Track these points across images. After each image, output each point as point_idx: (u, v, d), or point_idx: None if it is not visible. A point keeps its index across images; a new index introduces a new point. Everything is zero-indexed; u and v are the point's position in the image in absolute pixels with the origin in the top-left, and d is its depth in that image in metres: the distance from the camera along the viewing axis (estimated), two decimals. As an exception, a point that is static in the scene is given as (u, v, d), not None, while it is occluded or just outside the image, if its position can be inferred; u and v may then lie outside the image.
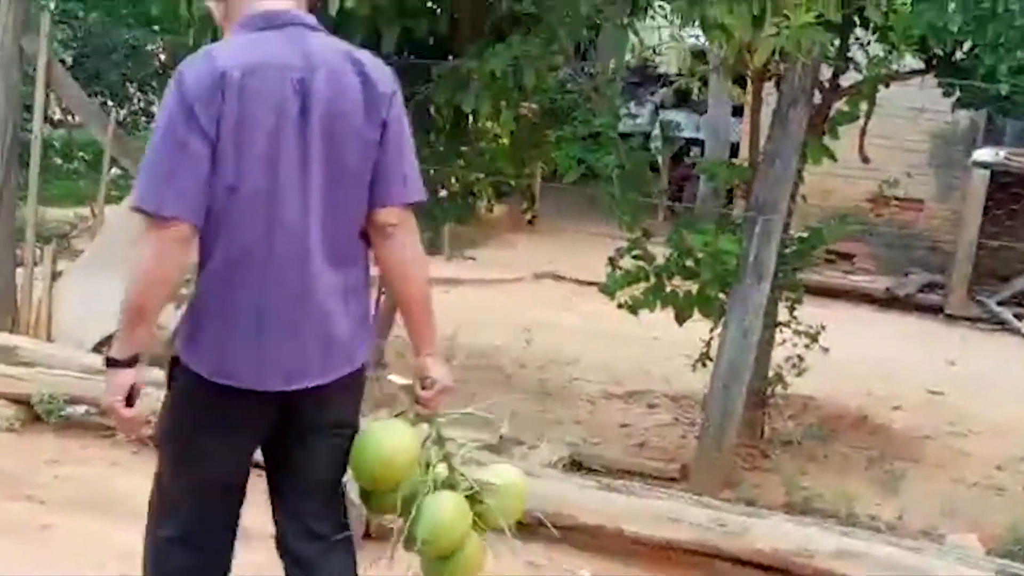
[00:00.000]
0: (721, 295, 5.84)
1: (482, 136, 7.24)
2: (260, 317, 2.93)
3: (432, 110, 6.80)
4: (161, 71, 10.74)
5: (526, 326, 9.00)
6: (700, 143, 14.51)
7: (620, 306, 6.10)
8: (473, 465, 3.31)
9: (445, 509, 3.15)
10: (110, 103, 14.68)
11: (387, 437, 3.11)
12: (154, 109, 14.12)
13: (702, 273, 5.78)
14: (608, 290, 6.04)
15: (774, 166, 5.62)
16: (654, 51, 7.50)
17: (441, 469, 3.20)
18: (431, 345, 3.18)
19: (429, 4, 6.29)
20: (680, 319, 6.06)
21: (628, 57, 17.30)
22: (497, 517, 3.23)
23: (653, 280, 6.03)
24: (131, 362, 2.92)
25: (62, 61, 9.94)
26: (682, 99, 14.96)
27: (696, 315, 6.03)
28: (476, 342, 8.59)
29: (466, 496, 3.19)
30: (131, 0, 10.22)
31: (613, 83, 6.45)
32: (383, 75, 3.02)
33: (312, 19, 3.03)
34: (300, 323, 2.95)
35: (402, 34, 6.10)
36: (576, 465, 5.98)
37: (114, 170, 7.32)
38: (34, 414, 5.93)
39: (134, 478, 4.61)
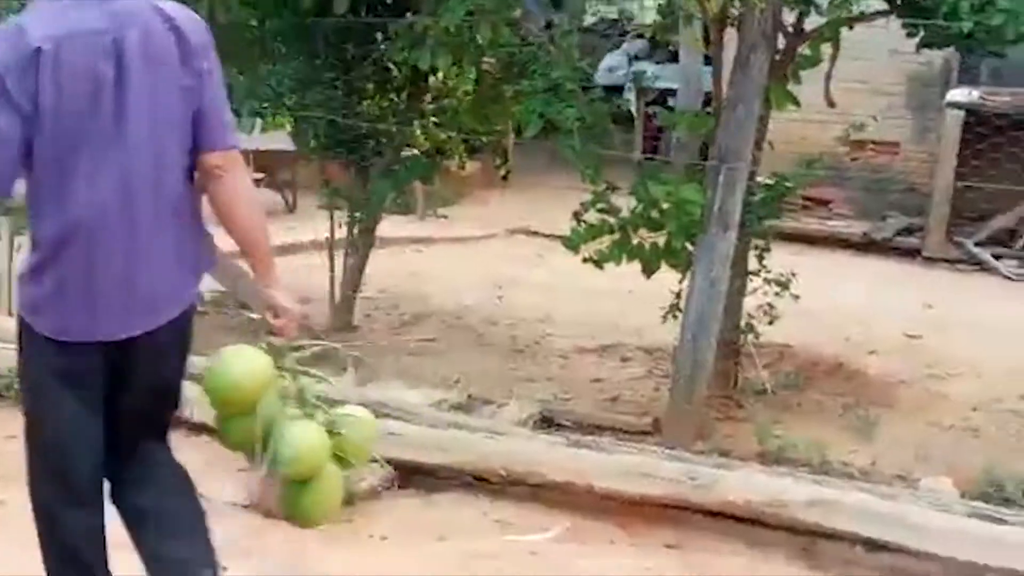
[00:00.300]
0: (688, 246, 5.75)
1: (445, 93, 7.16)
2: (89, 279, 3.04)
3: (392, 68, 6.72)
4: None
5: (498, 283, 8.93)
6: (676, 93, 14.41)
7: (585, 260, 6.01)
8: (325, 403, 3.37)
9: (306, 434, 3.24)
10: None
11: (236, 362, 3.23)
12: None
13: (667, 224, 5.69)
14: (571, 244, 5.96)
15: (735, 113, 5.52)
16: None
17: (295, 399, 3.30)
18: (271, 276, 3.29)
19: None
20: (647, 271, 5.98)
21: (601, 9, 17.23)
22: (353, 450, 3.33)
23: (618, 233, 5.94)
24: None
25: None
26: (656, 49, 14.85)
27: (666, 267, 5.95)
28: (448, 301, 8.53)
29: (327, 430, 3.28)
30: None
31: (570, 34, 6.35)
32: (196, 26, 3.13)
33: None
34: (133, 274, 3.07)
35: (355, -8, 6.01)
36: (547, 422, 5.92)
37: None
38: (-6, 389, 5.81)
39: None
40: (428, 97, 7.21)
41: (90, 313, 3.07)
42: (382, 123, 7.00)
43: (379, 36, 6.47)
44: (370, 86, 6.94)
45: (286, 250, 9.82)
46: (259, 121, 8.74)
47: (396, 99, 7.03)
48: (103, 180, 3.01)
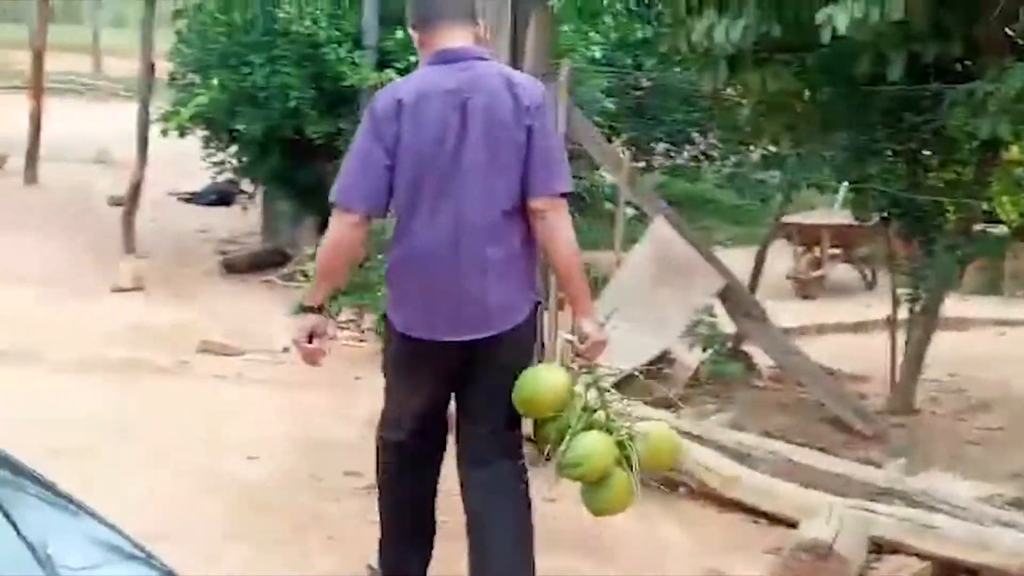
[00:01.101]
0: None
1: (1014, 165, 6.68)
2: (430, 287, 3.77)
3: (956, 137, 6.36)
4: (710, 110, 10.83)
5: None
6: None
7: None
8: (628, 418, 3.84)
9: (592, 441, 3.73)
10: (674, 147, 15.12)
11: (537, 376, 3.80)
12: (714, 153, 14.31)
13: None
14: None
15: None
16: None
17: (599, 415, 3.78)
18: (583, 307, 3.85)
19: (940, 26, 5.84)
20: None
21: None
22: (644, 461, 3.77)
23: None
24: (317, 310, 3.90)
25: (604, 110, 10.25)
26: None
27: None
28: (1024, 388, 7.91)
29: (618, 441, 3.74)
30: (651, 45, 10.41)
31: None
32: (531, 92, 3.82)
33: (481, 51, 3.93)
34: (462, 291, 3.76)
35: (910, 59, 5.73)
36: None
37: (629, 210, 7.42)
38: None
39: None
40: (997, 169, 6.75)
41: (428, 320, 3.80)
42: (947, 195, 6.64)
43: (939, 103, 6.14)
44: (932, 156, 6.60)
45: (859, 328, 9.63)
46: (840, 196, 8.61)
47: (962, 170, 6.64)
48: (441, 212, 3.74)
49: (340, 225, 3.82)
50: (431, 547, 4.10)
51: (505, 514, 3.90)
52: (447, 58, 3.87)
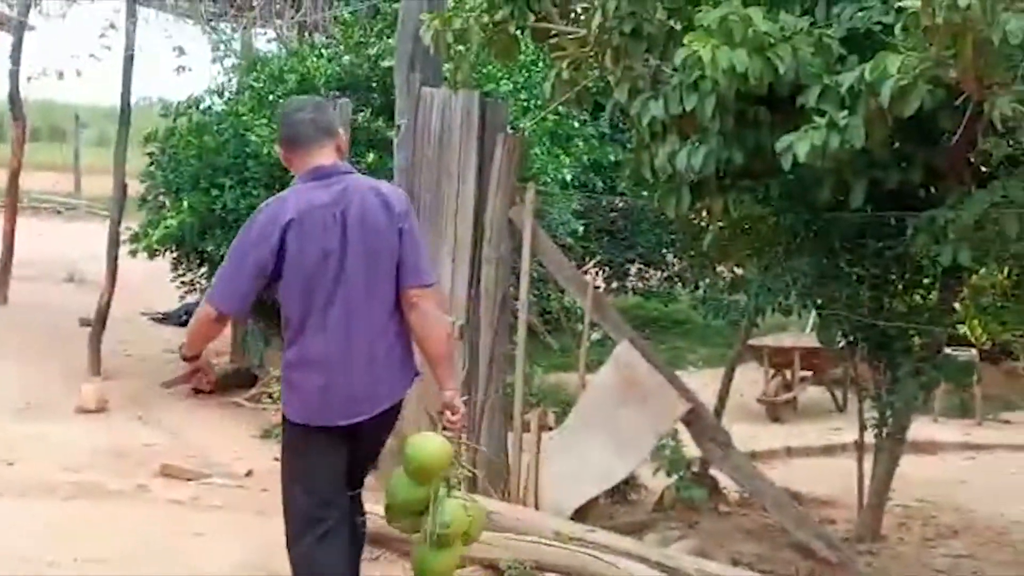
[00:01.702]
0: None
1: (981, 290, 6.68)
2: (326, 382, 4.39)
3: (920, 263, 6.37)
4: (680, 234, 10.85)
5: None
6: None
7: None
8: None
9: (457, 511, 4.50)
10: (648, 269, 15.13)
11: (431, 444, 4.52)
12: (688, 275, 14.31)
13: None
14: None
15: None
16: None
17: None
18: (450, 383, 4.62)
19: (901, 154, 5.87)
20: None
21: None
22: (474, 529, 4.66)
23: None
24: (193, 358, 4.62)
25: (574, 232, 10.27)
26: None
27: None
28: (994, 514, 7.83)
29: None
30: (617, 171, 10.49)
31: None
32: (398, 198, 4.53)
33: (346, 166, 4.58)
34: (353, 384, 4.39)
35: (872, 185, 5.75)
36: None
37: (594, 334, 7.38)
38: (504, 581, 5.97)
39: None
40: (963, 293, 6.74)
41: (322, 410, 4.40)
42: (911, 320, 6.62)
43: (902, 229, 6.15)
44: (896, 281, 6.60)
45: (827, 451, 9.57)
46: (811, 320, 8.61)
47: (926, 295, 6.63)
48: (331, 316, 4.35)
49: (204, 317, 4.49)
50: None
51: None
52: (319, 175, 4.47)
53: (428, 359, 4.59)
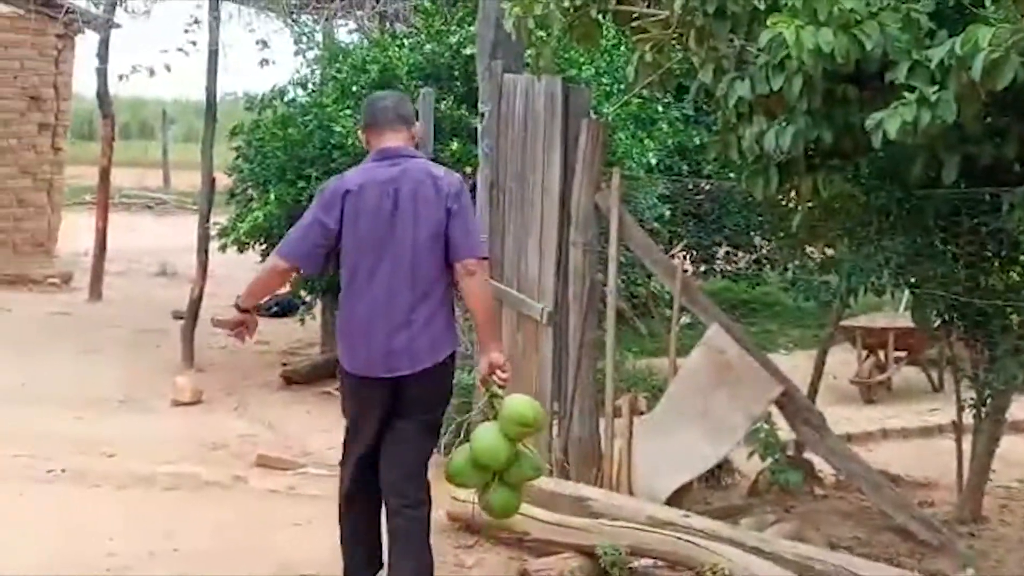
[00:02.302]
0: None
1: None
2: (368, 338, 5.02)
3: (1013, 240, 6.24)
4: (768, 216, 10.72)
5: None
6: None
7: None
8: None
9: (537, 458, 5.36)
10: (736, 252, 14.96)
11: (487, 435, 5.13)
12: (776, 256, 14.13)
13: None
14: None
15: None
16: None
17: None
18: (497, 344, 5.19)
19: (994, 128, 5.74)
20: None
21: None
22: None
23: None
24: (246, 311, 5.20)
25: (660, 216, 10.19)
26: None
27: None
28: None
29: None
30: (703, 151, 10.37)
31: None
32: (449, 182, 5.08)
33: (411, 151, 5.18)
34: (391, 343, 4.99)
35: (965, 161, 5.63)
36: None
37: (684, 318, 7.32)
38: (599, 567, 5.94)
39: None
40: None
41: (367, 362, 5.03)
42: (1008, 298, 6.49)
43: (997, 206, 6.02)
44: (992, 258, 6.47)
45: (924, 433, 9.41)
46: (904, 300, 8.45)
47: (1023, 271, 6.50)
48: (378, 275, 4.98)
49: (271, 267, 5.17)
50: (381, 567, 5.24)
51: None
52: (386, 155, 5.10)
53: (475, 323, 5.24)
